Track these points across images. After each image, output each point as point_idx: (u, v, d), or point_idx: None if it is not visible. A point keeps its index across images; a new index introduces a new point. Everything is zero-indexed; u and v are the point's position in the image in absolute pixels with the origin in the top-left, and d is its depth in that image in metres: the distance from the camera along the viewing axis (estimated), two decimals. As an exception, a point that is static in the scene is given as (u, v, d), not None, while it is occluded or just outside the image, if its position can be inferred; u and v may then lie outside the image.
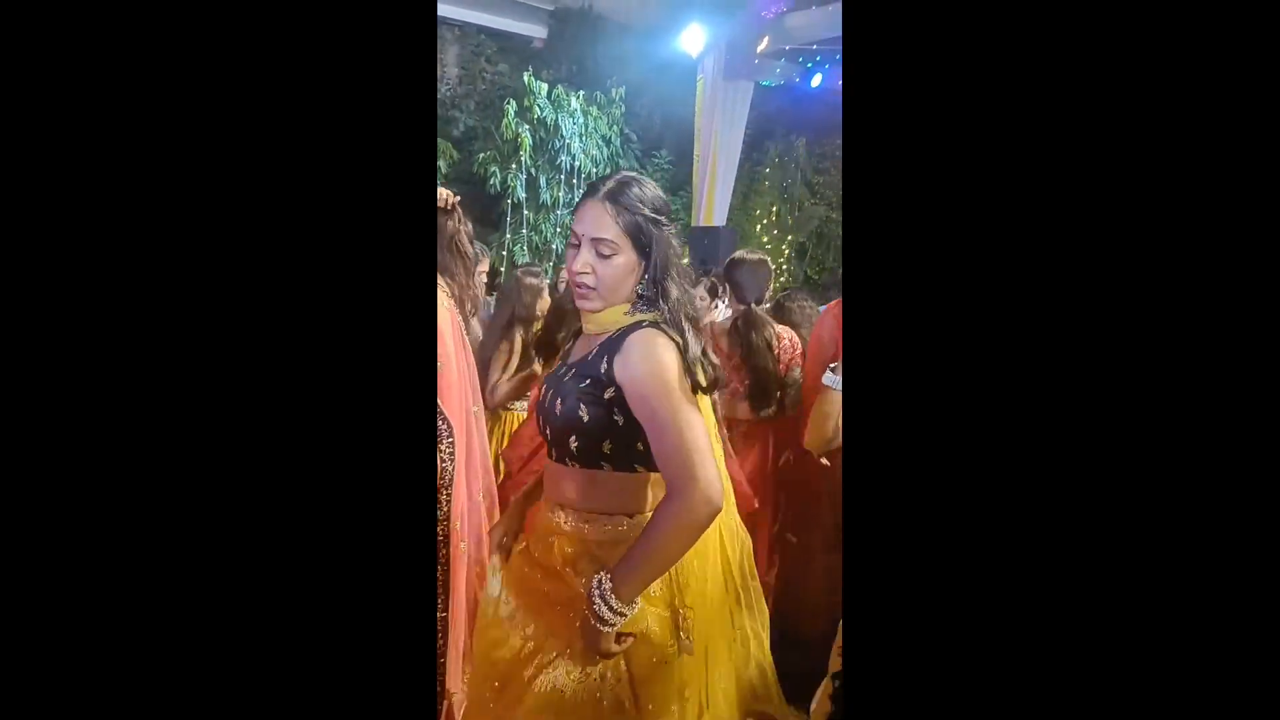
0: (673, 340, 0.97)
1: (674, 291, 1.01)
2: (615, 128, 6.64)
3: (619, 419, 0.97)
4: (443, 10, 6.98)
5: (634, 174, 1.05)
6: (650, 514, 0.98)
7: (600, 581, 0.90)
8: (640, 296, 1.03)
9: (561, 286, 2.82)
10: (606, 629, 0.90)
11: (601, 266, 1.00)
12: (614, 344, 0.98)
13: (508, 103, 6.28)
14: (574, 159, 6.41)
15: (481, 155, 6.41)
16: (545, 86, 6.21)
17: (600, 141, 6.53)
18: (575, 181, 6.41)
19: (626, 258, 1.00)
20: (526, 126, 6.20)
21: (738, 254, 2.34)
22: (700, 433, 0.90)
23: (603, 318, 1.03)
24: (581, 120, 6.38)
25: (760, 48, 6.00)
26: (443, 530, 1.37)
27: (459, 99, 7.07)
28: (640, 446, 0.99)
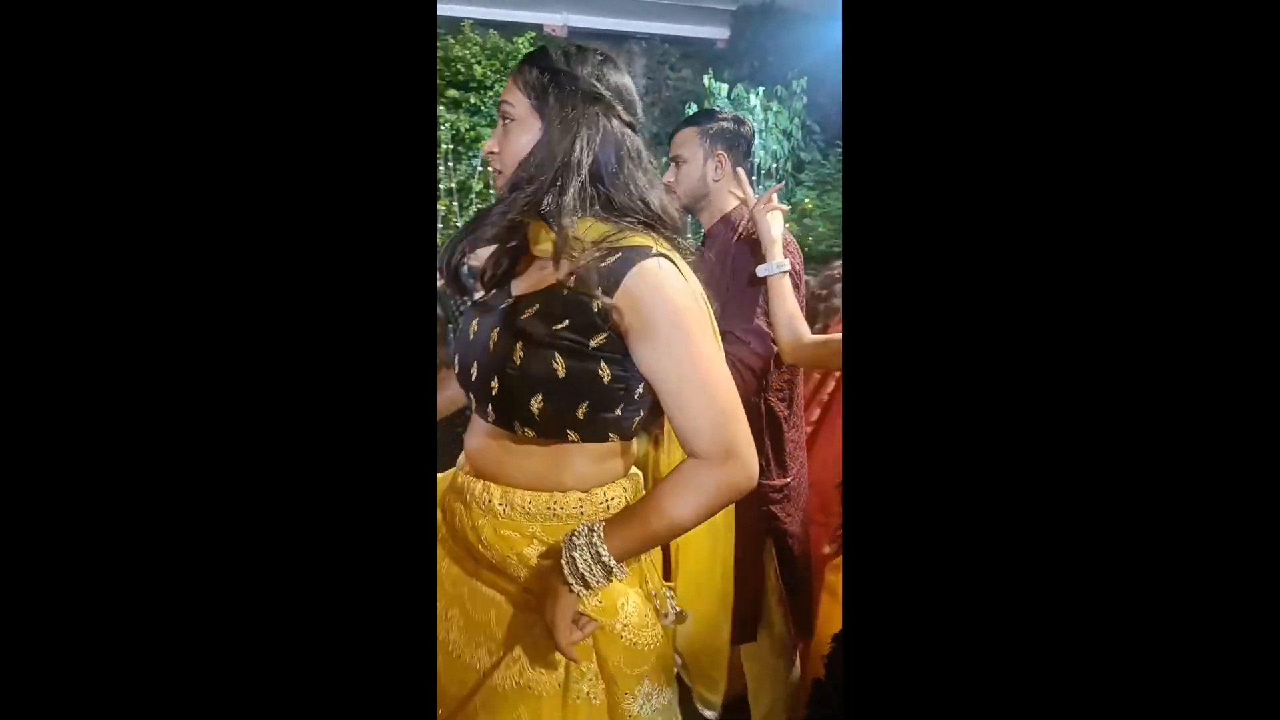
0: (684, 275, 0.77)
1: (641, 194, 0.81)
2: (796, 120, 6.53)
3: (606, 374, 0.77)
4: (629, 26, 7.35)
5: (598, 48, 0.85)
6: (618, 486, 0.83)
7: (591, 529, 0.73)
8: (594, 200, 0.80)
9: None
10: (578, 590, 0.73)
11: (506, 139, 0.82)
12: (612, 273, 0.76)
13: (689, 107, 6.45)
14: (754, 156, 6.42)
15: (665, 160, 6.65)
16: (725, 87, 6.29)
17: (780, 136, 6.46)
18: (755, 178, 6.41)
19: (533, 132, 0.80)
20: (707, 128, 6.33)
21: None
22: (735, 393, 0.73)
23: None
24: (761, 116, 6.36)
25: (953, 19, 5.54)
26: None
27: (644, 108, 7.39)
28: (620, 411, 0.80)
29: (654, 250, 0.78)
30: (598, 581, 0.74)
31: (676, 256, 0.79)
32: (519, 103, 0.82)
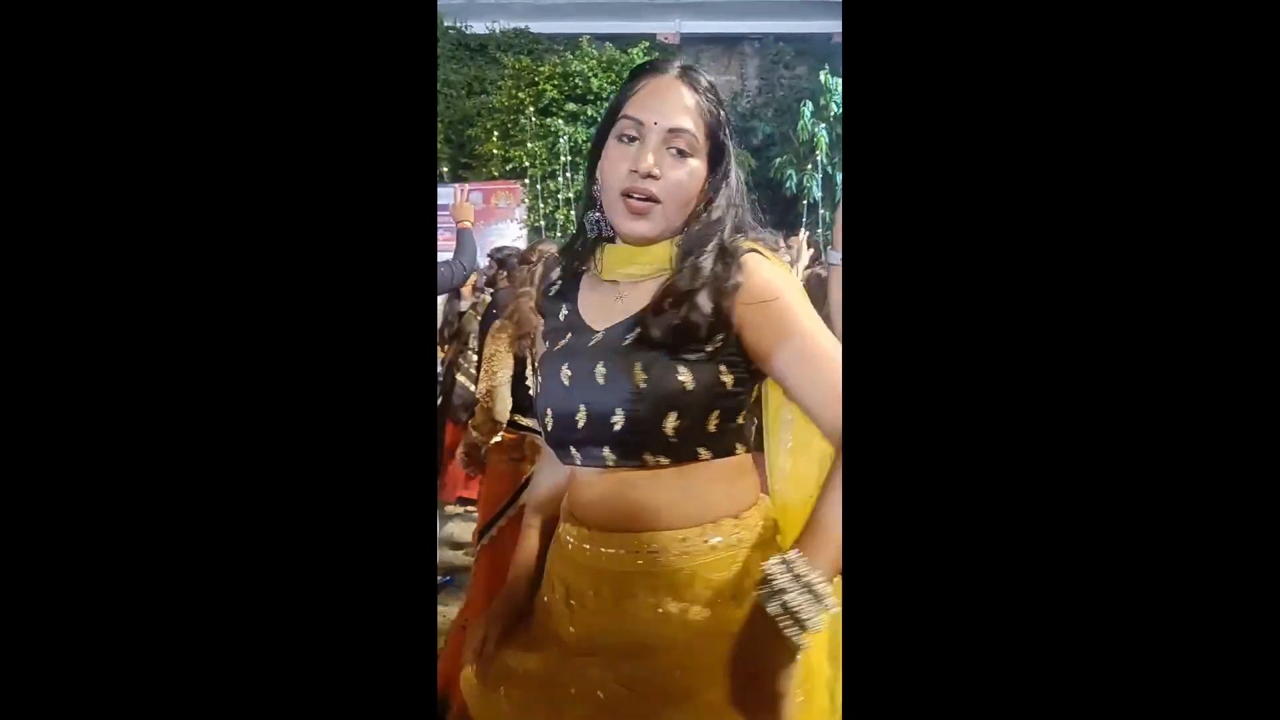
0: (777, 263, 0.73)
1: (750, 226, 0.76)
2: (919, 111, 6.31)
3: (729, 378, 0.71)
4: (740, 26, 7.35)
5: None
6: (754, 509, 0.75)
7: (785, 563, 0.62)
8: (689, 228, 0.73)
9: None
10: (801, 641, 0.60)
11: (674, 169, 0.71)
12: (718, 276, 0.71)
13: (804, 104, 6.38)
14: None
15: (778, 160, 6.61)
16: (841, 81, 6.18)
17: (902, 128, 6.27)
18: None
19: (700, 165, 0.73)
20: (823, 125, 6.23)
21: None
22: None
23: (654, 253, 0.73)
24: (880, 109, 6.21)
25: None
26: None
27: (758, 109, 7.36)
28: (741, 420, 0.74)
29: (745, 247, 0.74)
30: (814, 620, 0.61)
31: (764, 249, 0.76)
32: (702, 140, 0.73)
